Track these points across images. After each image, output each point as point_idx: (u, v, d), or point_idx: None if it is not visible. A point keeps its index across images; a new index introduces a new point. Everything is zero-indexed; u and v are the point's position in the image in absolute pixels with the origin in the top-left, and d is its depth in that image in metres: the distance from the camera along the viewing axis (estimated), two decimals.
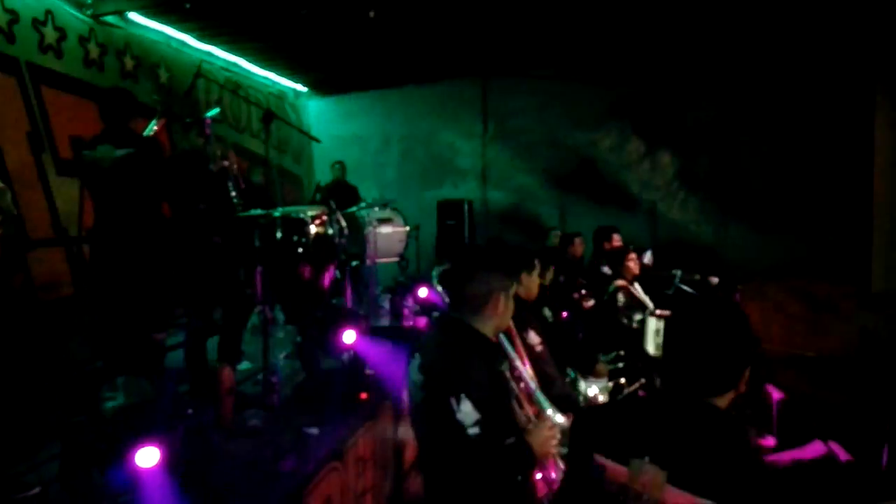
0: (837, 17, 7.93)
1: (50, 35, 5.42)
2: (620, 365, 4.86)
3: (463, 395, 2.19)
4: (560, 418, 2.55)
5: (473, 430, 2.16)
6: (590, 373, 4.20)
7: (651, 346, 5.17)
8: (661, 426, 1.62)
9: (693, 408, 1.61)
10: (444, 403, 2.20)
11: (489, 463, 2.22)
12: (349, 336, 3.90)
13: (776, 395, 4.72)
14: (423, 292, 5.47)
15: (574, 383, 4.00)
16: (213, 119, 4.19)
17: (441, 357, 2.38)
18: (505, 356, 2.66)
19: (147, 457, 2.43)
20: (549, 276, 4.78)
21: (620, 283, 5.33)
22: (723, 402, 1.64)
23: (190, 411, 3.11)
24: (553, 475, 2.46)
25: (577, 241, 7.12)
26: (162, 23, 6.82)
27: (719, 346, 1.63)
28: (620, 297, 5.27)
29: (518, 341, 3.16)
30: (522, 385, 2.68)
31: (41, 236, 5.15)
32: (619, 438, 1.68)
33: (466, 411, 2.17)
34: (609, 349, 5.08)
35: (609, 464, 1.64)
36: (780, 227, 9.17)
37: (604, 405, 3.27)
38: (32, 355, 4.26)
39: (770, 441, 4.72)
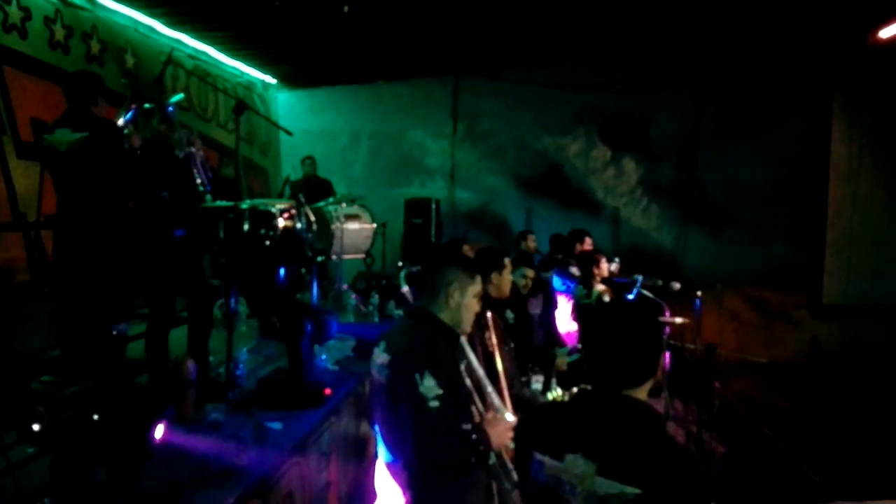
0: (798, 32, 8.20)
1: (14, 14, 5.25)
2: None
3: (427, 371, 2.31)
4: (511, 417, 2.67)
5: (434, 404, 2.28)
6: (551, 368, 4.26)
7: None
8: (589, 422, 1.77)
9: (614, 402, 1.76)
10: (408, 377, 2.33)
11: (446, 436, 2.31)
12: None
13: None
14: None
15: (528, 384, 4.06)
16: (179, 105, 4.12)
17: (407, 338, 2.50)
18: (464, 354, 2.75)
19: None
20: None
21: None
22: (641, 393, 1.79)
23: None
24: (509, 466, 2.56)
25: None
26: (130, 7, 6.65)
27: (630, 342, 1.77)
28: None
29: (477, 342, 3.23)
30: (477, 383, 2.77)
31: None
32: (554, 436, 1.81)
33: (429, 385, 2.29)
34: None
35: (546, 460, 1.78)
36: (737, 237, 9.44)
37: (541, 406, 3.34)
38: None
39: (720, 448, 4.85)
